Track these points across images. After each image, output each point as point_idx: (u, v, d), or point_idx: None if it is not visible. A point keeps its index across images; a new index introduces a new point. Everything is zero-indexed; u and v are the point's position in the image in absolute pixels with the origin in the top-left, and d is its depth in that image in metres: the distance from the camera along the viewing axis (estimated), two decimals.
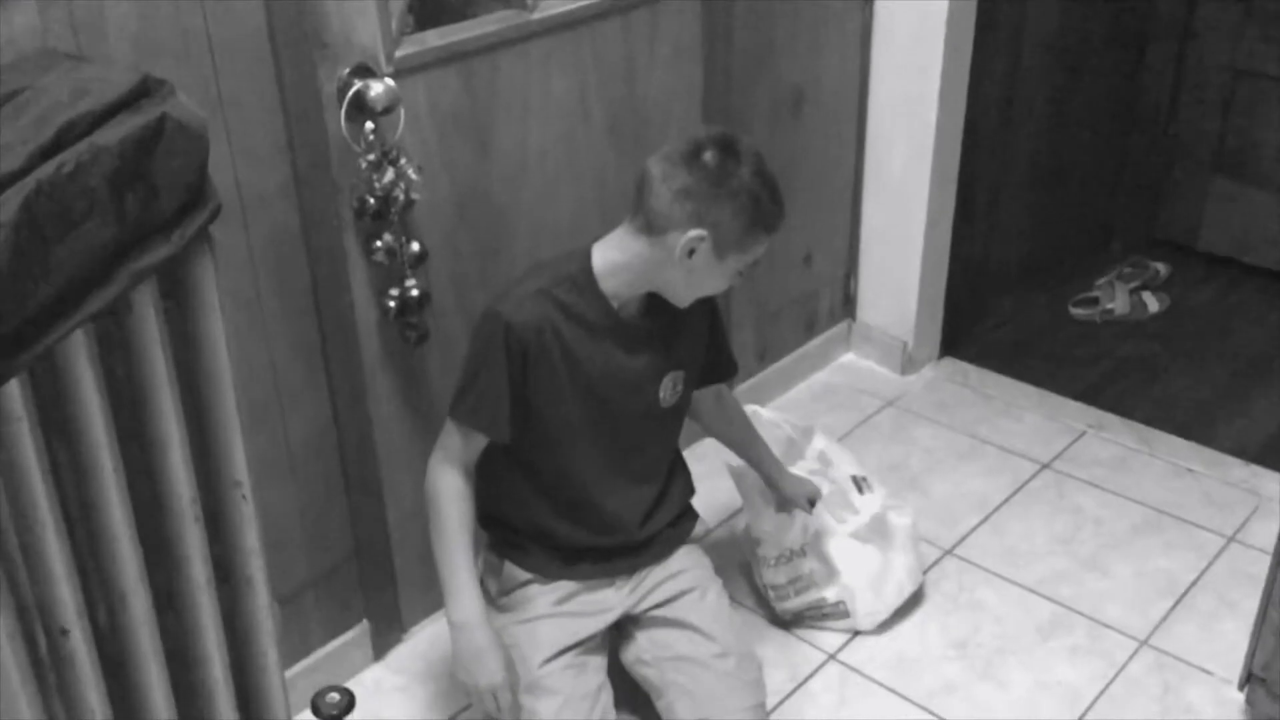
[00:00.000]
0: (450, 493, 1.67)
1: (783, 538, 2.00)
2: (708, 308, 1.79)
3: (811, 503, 2.01)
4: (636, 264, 1.62)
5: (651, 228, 1.58)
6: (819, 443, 2.15)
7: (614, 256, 1.64)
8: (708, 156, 1.55)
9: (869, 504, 2.05)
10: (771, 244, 1.66)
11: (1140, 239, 3.30)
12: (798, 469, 2.08)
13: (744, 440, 2.01)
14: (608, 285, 1.64)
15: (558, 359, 1.63)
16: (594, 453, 1.72)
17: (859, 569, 2.03)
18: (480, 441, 1.68)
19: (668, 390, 1.75)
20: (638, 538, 1.81)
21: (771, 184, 1.60)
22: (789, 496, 2.00)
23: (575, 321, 1.63)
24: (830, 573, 2.02)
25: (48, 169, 1.04)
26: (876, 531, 2.04)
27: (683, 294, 1.67)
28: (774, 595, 2.05)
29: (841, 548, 2.02)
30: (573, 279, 1.63)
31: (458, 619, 1.66)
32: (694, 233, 1.55)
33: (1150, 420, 2.60)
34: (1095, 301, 3.04)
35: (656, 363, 1.73)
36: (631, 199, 1.62)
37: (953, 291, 2.80)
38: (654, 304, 1.69)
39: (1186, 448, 2.52)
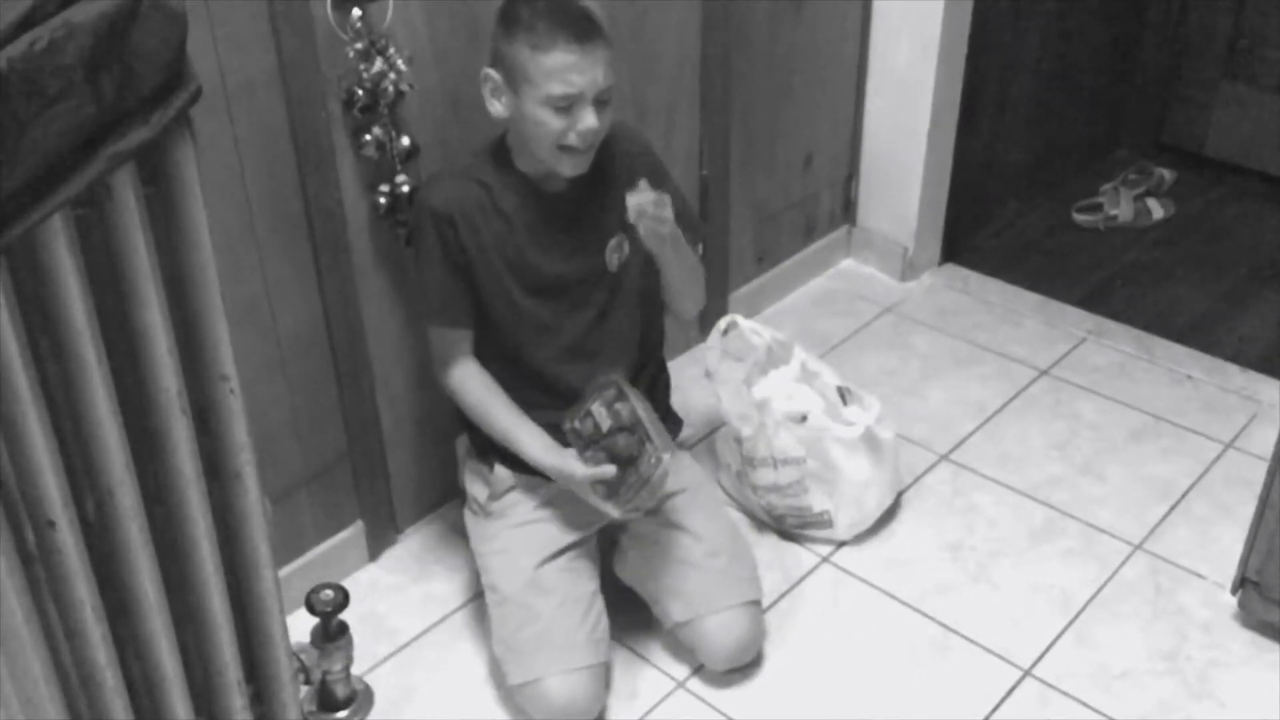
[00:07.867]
0: (469, 377, 1.71)
1: (771, 443, 1.97)
2: (647, 167, 1.71)
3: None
4: (510, 136, 1.66)
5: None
6: (800, 354, 2.11)
7: (510, 135, 1.67)
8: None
9: (860, 415, 2.01)
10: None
11: (1147, 144, 3.24)
12: (781, 375, 2.06)
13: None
14: (520, 162, 1.66)
15: (487, 237, 1.65)
16: (549, 337, 1.72)
17: (849, 480, 2.01)
18: (464, 333, 1.69)
19: (613, 252, 1.73)
20: None
21: (546, 2, 1.52)
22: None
23: (499, 195, 1.65)
24: (823, 481, 2.00)
25: (19, 45, 1.00)
26: (868, 442, 2.02)
27: (537, 151, 1.62)
28: (758, 493, 2.02)
29: (836, 457, 2.00)
30: (488, 159, 1.67)
31: (537, 458, 1.70)
32: (483, 73, 1.58)
33: (1151, 327, 2.58)
34: (1099, 208, 2.99)
35: (592, 229, 1.71)
36: None
37: (955, 197, 2.75)
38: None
39: (1186, 355, 2.50)
